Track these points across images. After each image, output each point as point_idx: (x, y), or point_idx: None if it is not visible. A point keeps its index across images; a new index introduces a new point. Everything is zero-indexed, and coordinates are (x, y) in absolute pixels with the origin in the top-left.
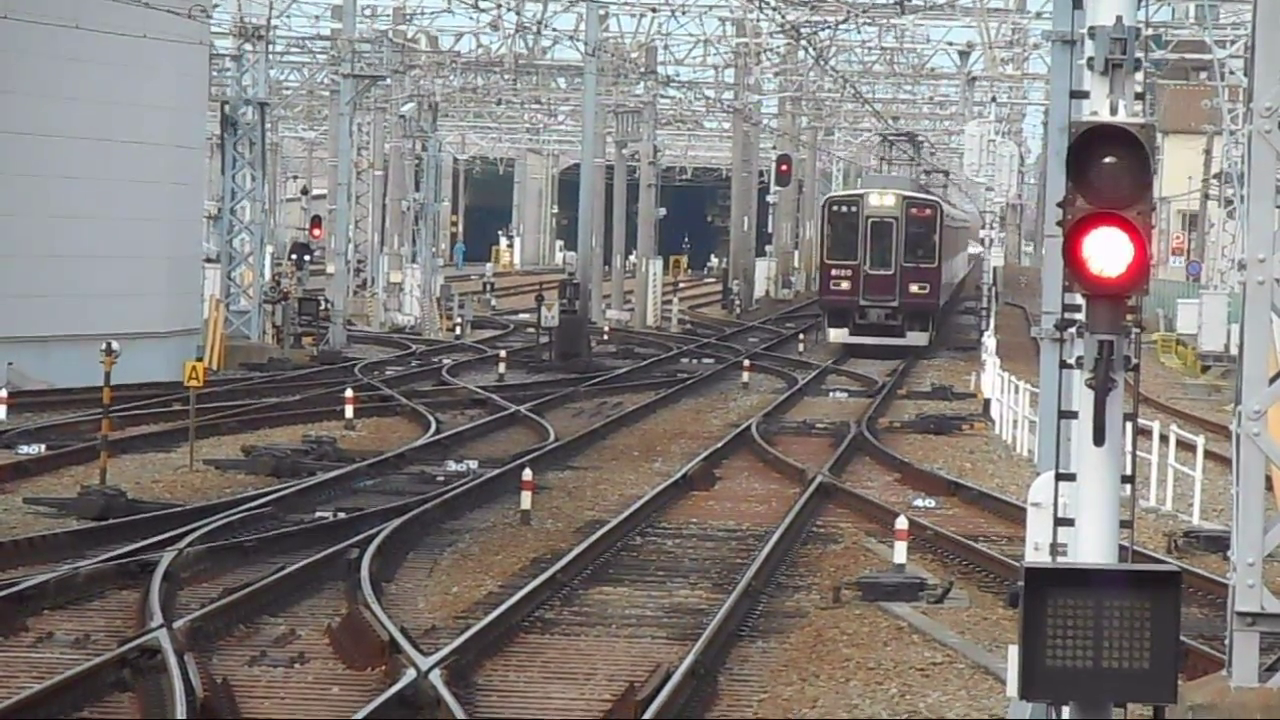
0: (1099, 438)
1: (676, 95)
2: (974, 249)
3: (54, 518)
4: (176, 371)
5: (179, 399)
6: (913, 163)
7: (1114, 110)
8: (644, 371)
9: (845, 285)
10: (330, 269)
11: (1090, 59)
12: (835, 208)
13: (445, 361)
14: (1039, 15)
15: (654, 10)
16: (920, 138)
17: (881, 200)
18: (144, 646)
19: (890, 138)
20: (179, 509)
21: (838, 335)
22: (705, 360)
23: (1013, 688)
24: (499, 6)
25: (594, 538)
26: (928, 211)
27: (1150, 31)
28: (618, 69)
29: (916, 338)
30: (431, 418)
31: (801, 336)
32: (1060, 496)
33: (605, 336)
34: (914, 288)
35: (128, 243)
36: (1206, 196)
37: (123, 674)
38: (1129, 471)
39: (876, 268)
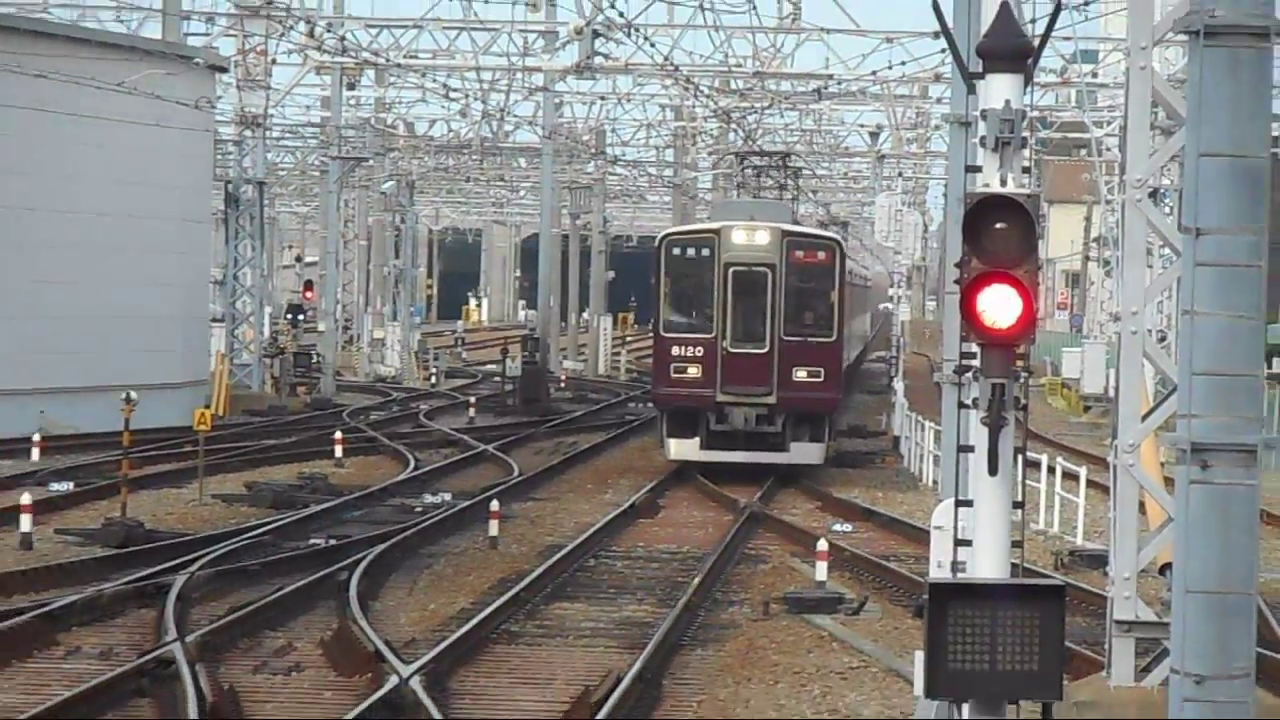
0: (993, 468)
1: (623, 172)
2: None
3: (81, 546)
4: (188, 418)
5: (190, 442)
6: (783, 191)
7: (1004, 182)
8: (596, 415)
9: (693, 371)
10: (321, 327)
11: (983, 138)
12: (677, 250)
13: (422, 407)
14: (939, 100)
15: (603, 98)
16: (798, 161)
17: (750, 238)
18: (160, 658)
19: (751, 158)
20: (190, 537)
21: (682, 449)
22: (650, 404)
23: (919, 688)
24: (466, 96)
25: (553, 560)
26: (821, 255)
27: (1037, 114)
28: (571, 150)
29: (805, 452)
30: (411, 456)
31: None
32: (960, 520)
33: (562, 384)
34: (801, 374)
35: (145, 305)
36: (1087, 258)
37: (142, 682)
38: (1020, 498)
39: (742, 344)
